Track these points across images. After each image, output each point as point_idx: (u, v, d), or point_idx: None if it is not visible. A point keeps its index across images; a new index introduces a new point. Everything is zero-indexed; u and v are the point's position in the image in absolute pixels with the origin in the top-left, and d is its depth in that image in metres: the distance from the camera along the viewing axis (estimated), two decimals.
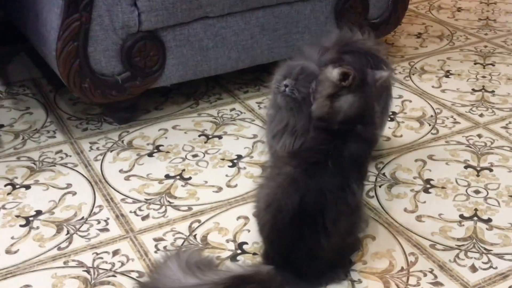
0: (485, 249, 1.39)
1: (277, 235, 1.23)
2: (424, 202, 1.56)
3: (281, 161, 1.29)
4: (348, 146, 1.23)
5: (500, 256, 1.37)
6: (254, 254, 1.37)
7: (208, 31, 1.89)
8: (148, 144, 1.85)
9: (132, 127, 1.94)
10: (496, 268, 1.34)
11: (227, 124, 1.94)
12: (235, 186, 1.64)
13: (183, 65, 1.90)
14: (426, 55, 2.39)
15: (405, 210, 1.53)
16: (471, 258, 1.37)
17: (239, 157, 1.77)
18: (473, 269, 1.34)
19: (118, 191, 1.63)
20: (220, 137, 1.87)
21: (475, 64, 2.30)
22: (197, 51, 1.89)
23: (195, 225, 1.49)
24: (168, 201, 1.58)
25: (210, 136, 1.87)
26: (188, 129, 1.92)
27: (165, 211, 1.55)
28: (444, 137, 1.85)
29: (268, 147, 1.50)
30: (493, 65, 2.29)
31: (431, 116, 1.97)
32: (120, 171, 1.73)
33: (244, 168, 1.71)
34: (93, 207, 1.58)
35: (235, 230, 1.46)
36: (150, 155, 1.79)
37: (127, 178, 1.69)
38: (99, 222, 1.51)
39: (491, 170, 1.69)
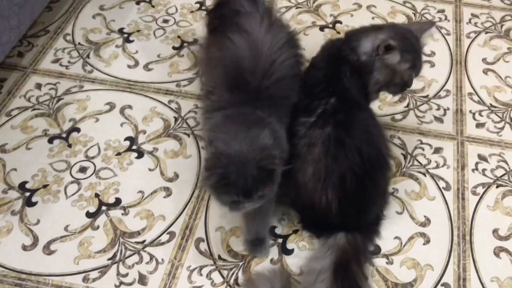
0: None
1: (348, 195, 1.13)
2: None
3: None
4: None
5: None
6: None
7: None
8: None
9: None
10: None
11: None
12: None
13: None
14: None
15: None
16: None
17: None
18: None
19: (470, 82, 1.58)
20: None
21: None
22: None
23: None
24: (511, 119, 1.49)
25: None
26: None
27: (503, 128, 1.47)
28: None
29: None
30: None
31: None
32: (484, 60, 1.64)
33: None
34: (441, 89, 1.57)
35: None
36: None
37: (485, 71, 1.61)
38: (438, 108, 1.52)
39: None
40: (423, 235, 1.24)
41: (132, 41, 1.69)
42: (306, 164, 1.12)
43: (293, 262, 1.19)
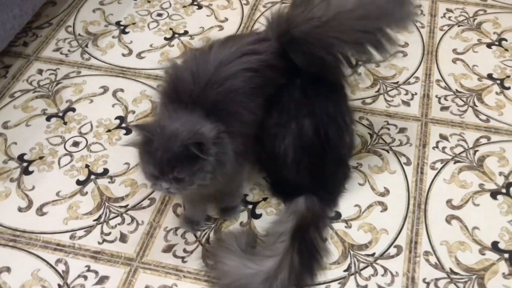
0: None
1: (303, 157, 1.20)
2: None
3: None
4: None
5: None
6: None
7: None
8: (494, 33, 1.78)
9: None
10: None
11: None
12: None
13: None
14: None
15: None
16: None
17: None
18: None
19: (439, 70, 1.68)
20: None
21: None
22: None
23: (483, 141, 1.49)
24: (474, 104, 1.58)
25: None
26: None
27: (465, 111, 1.57)
28: None
29: None
30: None
31: None
32: (454, 50, 1.74)
33: None
34: (411, 76, 1.67)
35: None
36: (489, 46, 1.74)
37: (454, 61, 1.71)
38: (406, 93, 1.62)
39: None
40: (381, 203, 1.34)
41: (128, 32, 1.82)
42: (272, 110, 1.18)
43: (260, 225, 1.30)
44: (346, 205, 1.34)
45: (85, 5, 1.94)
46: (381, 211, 1.33)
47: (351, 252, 1.25)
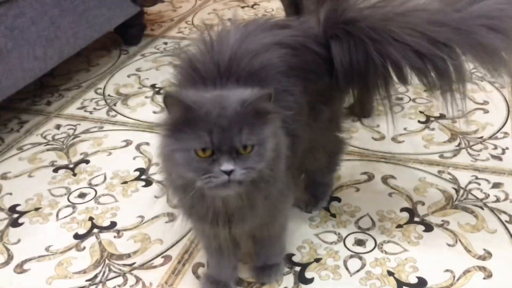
0: None
1: None
2: None
3: None
4: None
5: None
6: None
7: (1, 24, 1.26)
8: None
9: None
10: None
11: None
12: None
13: None
14: None
15: None
16: None
17: None
18: None
19: None
20: None
21: None
22: None
23: None
24: None
25: None
26: None
27: None
28: None
29: None
30: None
31: None
32: None
33: None
34: (498, 131, 1.33)
35: None
36: None
37: None
38: (495, 148, 1.27)
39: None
40: (482, 268, 0.94)
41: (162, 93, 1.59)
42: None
43: None
44: (431, 268, 0.94)
45: (120, 71, 1.74)
46: (484, 278, 0.91)
47: None
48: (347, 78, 0.89)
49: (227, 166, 0.68)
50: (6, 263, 1.01)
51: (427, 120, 1.38)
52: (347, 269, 0.96)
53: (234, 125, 0.68)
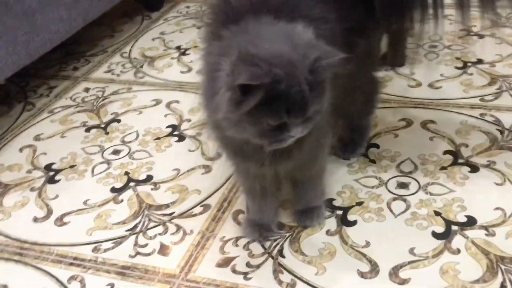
0: None
1: None
2: None
3: None
4: None
5: None
6: None
7: None
8: None
9: None
10: None
11: None
12: None
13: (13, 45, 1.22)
14: None
15: None
16: None
17: None
18: None
19: None
20: None
21: None
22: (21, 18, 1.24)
23: None
24: None
25: None
26: None
27: None
28: None
29: None
30: None
31: None
32: None
33: None
34: None
35: None
36: None
37: None
38: None
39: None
40: None
41: (188, 54, 1.56)
42: None
43: (356, 236, 0.88)
44: (480, 207, 0.90)
45: (144, 36, 1.71)
46: None
47: (501, 266, 0.80)
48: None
49: (296, 132, 0.69)
50: (46, 217, 1.00)
51: (464, 66, 1.33)
52: (391, 211, 0.93)
53: (308, 98, 0.66)
